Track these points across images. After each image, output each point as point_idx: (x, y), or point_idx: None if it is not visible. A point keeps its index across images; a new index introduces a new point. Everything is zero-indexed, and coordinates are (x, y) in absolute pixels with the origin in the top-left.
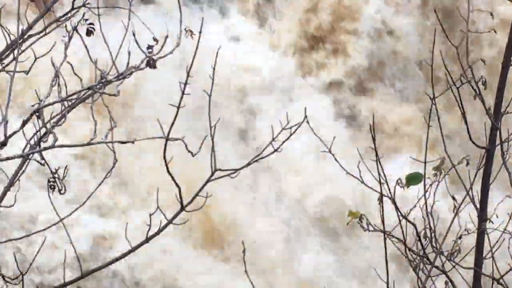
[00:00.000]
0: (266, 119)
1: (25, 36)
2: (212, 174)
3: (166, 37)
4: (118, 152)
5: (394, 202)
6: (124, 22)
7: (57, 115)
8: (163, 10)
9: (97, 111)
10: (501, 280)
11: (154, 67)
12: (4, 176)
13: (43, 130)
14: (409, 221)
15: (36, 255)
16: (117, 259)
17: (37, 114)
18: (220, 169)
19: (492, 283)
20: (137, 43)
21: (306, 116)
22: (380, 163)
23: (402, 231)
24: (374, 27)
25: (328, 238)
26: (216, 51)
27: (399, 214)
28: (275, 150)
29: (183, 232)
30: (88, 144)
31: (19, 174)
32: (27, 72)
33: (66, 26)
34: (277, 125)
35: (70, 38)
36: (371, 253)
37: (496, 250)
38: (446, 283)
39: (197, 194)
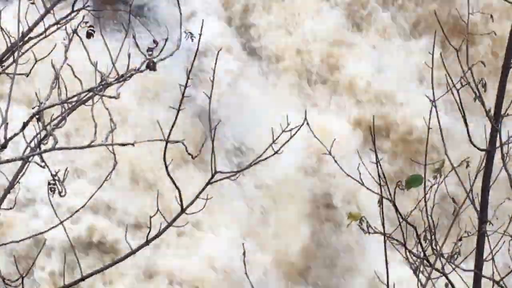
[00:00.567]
0: None
1: (26, 39)
2: (212, 176)
3: (166, 39)
4: None
5: (394, 204)
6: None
7: (57, 117)
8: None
9: None
10: (501, 282)
11: (154, 69)
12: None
13: (43, 133)
14: (409, 223)
15: (36, 257)
16: (117, 262)
17: (37, 116)
18: (220, 172)
19: (493, 285)
20: (137, 46)
21: (305, 119)
22: (380, 165)
23: (403, 233)
24: None
25: None
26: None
27: (399, 216)
28: (275, 153)
29: None
30: (88, 146)
31: (19, 177)
32: (27, 75)
33: (66, 29)
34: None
35: (70, 40)
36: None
37: (497, 252)
38: (446, 285)
39: (197, 197)
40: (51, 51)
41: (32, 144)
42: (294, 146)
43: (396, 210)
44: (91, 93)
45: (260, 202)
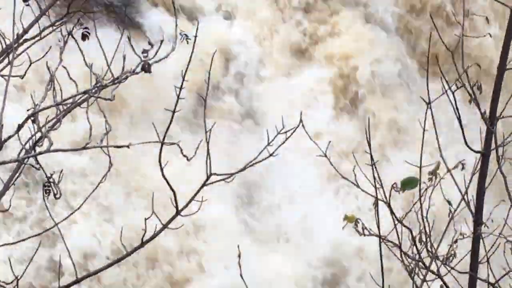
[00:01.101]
0: None
1: (20, 41)
2: (208, 178)
3: (161, 41)
4: None
5: (389, 206)
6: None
7: (52, 119)
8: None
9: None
10: (496, 285)
11: (149, 71)
12: None
13: (39, 135)
14: (405, 225)
15: (31, 259)
16: (112, 264)
17: (32, 118)
18: (215, 174)
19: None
20: (133, 48)
21: (301, 121)
22: (375, 167)
23: (398, 235)
24: None
25: None
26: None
27: (394, 218)
28: (270, 155)
29: None
30: (84, 148)
31: (14, 179)
32: (22, 77)
33: (61, 31)
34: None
35: (65, 42)
36: None
37: (492, 254)
38: (441, 287)
39: (192, 199)
40: (46, 53)
41: (27, 146)
42: None
43: (391, 212)
44: (86, 95)
45: None
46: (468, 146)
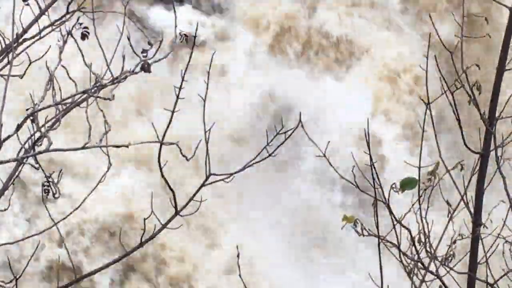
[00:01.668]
0: None
1: (20, 40)
2: (207, 178)
3: (161, 41)
4: None
5: (388, 207)
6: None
7: (51, 119)
8: None
9: None
10: (495, 285)
11: (149, 71)
12: None
13: (38, 134)
14: (404, 226)
15: (30, 258)
16: (111, 263)
17: (31, 118)
18: (214, 174)
19: None
20: (132, 47)
21: (300, 121)
22: (374, 168)
23: (396, 236)
24: None
25: None
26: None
27: (393, 218)
28: (270, 155)
29: None
30: (83, 148)
31: (13, 178)
32: (21, 76)
33: (60, 30)
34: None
35: (64, 42)
36: None
37: (491, 255)
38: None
39: (191, 199)
40: (46, 52)
41: (26, 146)
42: None
43: (390, 212)
44: (85, 95)
45: None
46: (467, 147)
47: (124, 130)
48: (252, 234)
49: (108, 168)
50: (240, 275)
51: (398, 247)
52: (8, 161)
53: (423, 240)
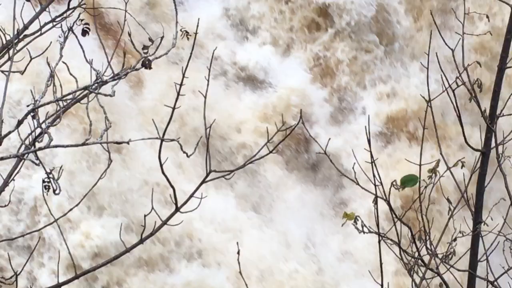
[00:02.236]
0: None
1: (21, 36)
2: (207, 175)
3: (162, 38)
4: None
5: (389, 204)
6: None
7: (52, 115)
8: None
9: None
10: (495, 283)
11: (150, 67)
12: None
13: (38, 130)
14: (404, 223)
15: (30, 254)
16: (111, 260)
17: (32, 114)
18: (214, 171)
19: (487, 286)
20: (133, 44)
21: (301, 117)
22: (375, 165)
23: (397, 233)
24: None
25: None
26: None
27: (393, 216)
28: (270, 152)
29: None
30: (83, 144)
31: (14, 174)
32: (22, 72)
33: (61, 27)
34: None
35: (65, 38)
36: None
37: (491, 252)
38: (440, 285)
39: (192, 195)
40: (46, 48)
41: (27, 142)
42: None
43: (391, 209)
44: (86, 91)
45: None
46: (468, 145)
47: None
48: None
49: (109, 165)
50: (240, 272)
51: (399, 245)
52: (8, 157)
53: (423, 237)
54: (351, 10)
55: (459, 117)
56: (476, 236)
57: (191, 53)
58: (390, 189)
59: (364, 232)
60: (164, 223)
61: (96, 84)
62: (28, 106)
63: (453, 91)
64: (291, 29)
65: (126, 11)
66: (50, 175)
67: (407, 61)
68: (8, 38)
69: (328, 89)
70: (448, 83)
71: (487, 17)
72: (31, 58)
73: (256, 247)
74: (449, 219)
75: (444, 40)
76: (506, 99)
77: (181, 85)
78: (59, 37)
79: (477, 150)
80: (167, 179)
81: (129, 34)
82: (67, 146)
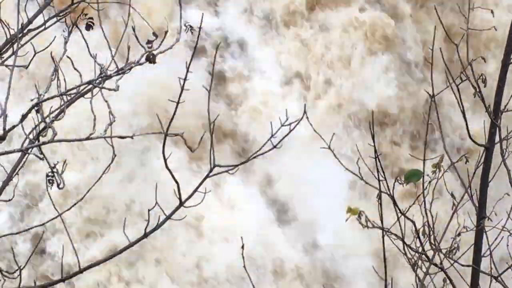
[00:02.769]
0: None
1: (25, 31)
2: (211, 170)
3: (166, 32)
4: None
5: (393, 199)
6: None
7: (56, 109)
8: None
9: None
10: (499, 278)
11: (154, 62)
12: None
13: (42, 125)
14: (408, 218)
15: (34, 250)
16: (114, 255)
17: (36, 108)
18: (218, 165)
19: (490, 281)
20: (137, 38)
21: (305, 112)
22: (379, 160)
23: (401, 228)
24: None
25: None
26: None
27: (397, 211)
28: (274, 147)
29: None
30: (87, 139)
31: (18, 169)
32: (26, 67)
33: (65, 21)
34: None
35: (69, 33)
36: None
37: (495, 248)
38: (444, 280)
39: (196, 190)
40: (51, 43)
41: (31, 136)
42: None
43: (395, 204)
44: (90, 86)
45: None
46: (472, 140)
47: None
48: None
49: (113, 159)
50: (244, 267)
51: (403, 240)
52: (13, 152)
53: (427, 232)
54: None
55: (463, 112)
56: (480, 231)
57: (195, 48)
58: (394, 184)
59: (367, 227)
60: (168, 217)
61: (100, 79)
62: (32, 100)
63: (457, 86)
64: None
65: (130, 5)
66: (54, 169)
67: None
68: (12, 32)
69: None
70: (452, 78)
71: (492, 12)
72: (35, 53)
73: None
74: (453, 214)
75: (449, 37)
76: (510, 95)
77: (185, 79)
78: (63, 31)
79: (481, 145)
80: (171, 174)
81: (133, 29)
82: (71, 140)
